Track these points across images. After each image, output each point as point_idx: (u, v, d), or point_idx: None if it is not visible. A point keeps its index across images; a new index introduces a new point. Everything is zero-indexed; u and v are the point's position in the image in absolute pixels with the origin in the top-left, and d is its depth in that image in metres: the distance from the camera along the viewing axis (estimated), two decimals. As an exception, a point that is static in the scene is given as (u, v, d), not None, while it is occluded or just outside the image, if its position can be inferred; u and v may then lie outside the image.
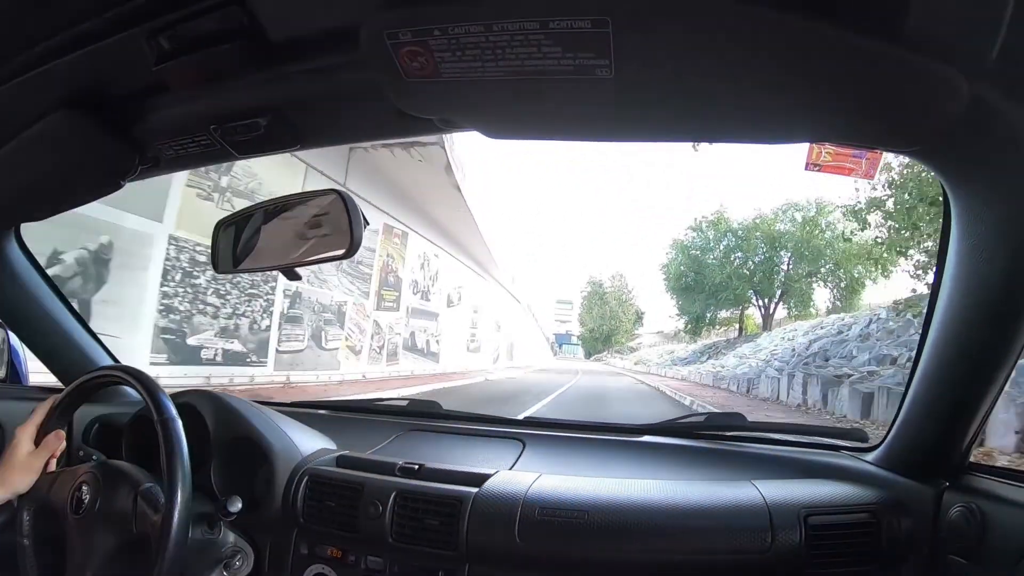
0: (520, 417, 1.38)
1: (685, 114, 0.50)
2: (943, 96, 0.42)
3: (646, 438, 1.09)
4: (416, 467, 0.90)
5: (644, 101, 0.48)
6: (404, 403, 1.31)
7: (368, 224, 0.74)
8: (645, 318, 66.23)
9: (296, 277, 0.80)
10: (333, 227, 0.75)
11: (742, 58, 0.42)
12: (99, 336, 1.15)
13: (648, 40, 0.41)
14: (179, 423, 0.75)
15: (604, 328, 64.43)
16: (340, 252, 0.74)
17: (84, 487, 0.77)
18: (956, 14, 0.37)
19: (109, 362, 1.14)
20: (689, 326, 31.94)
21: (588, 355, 64.67)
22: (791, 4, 0.37)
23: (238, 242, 0.85)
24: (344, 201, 0.74)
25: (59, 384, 1.12)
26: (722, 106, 0.48)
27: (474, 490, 0.84)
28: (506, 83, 0.45)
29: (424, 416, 1.25)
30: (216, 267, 0.87)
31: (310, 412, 1.24)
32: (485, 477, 0.87)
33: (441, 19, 0.41)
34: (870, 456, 0.88)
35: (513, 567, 0.81)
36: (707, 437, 1.07)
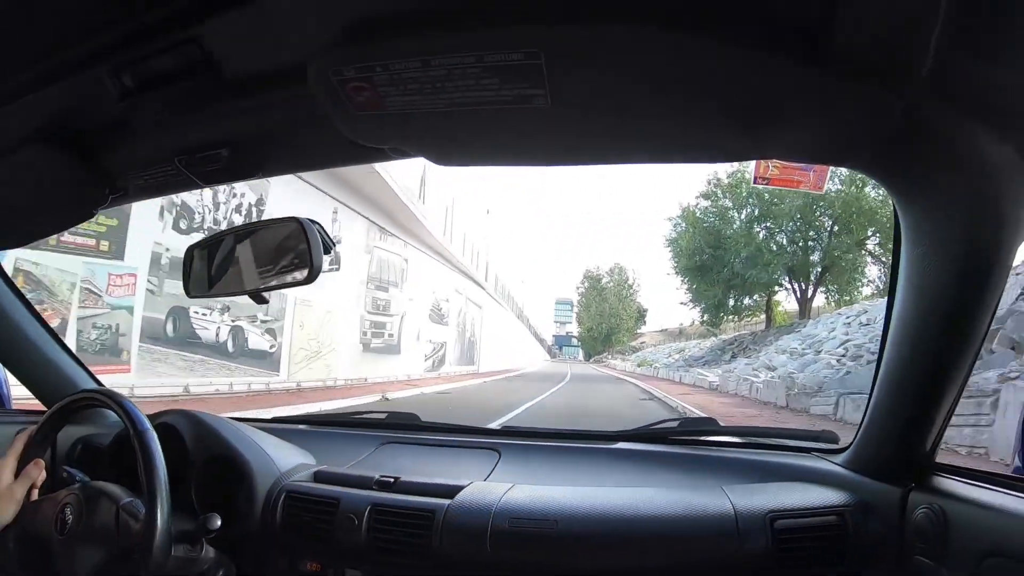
0: (497, 426, 1.35)
1: (624, 138, 0.52)
2: (875, 113, 0.44)
3: (621, 445, 1.08)
4: (392, 480, 0.90)
5: (583, 128, 0.50)
6: (383, 416, 1.29)
7: (333, 247, 0.77)
8: (648, 316, 61.92)
9: (264, 301, 0.82)
10: (295, 253, 0.76)
11: (675, 84, 0.43)
12: (80, 359, 1.14)
13: (580, 70, 0.42)
14: (154, 435, 0.78)
15: (603, 327, 59.61)
16: (301, 278, 0.76)
17: (67, 509, 0.79)
18: (882, 35, 0.38)
19: (91, 384, 1.13)
20: (707, 316, 24.81)
21: (588, 357, 61.15)
22: (715, 30, 0.38)
23: (209, 266, 0.86)
24: (304, 228, 0.75)
25: (42, 407, 1.10)
26: (660, 129, 0.50)
27: (447, 502, 0.84)
28: (449, 114, 0.47)
29: (403, 428, 1.24)
30: (188, 291, 0.88)
31: (289, 427, 1.23)
32: (459, 489, 0.87)
33: (381, 56, 0.42)
34: (839, 458, 0.88)
35: None
36: (681, 442, 1.07)
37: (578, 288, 63.50)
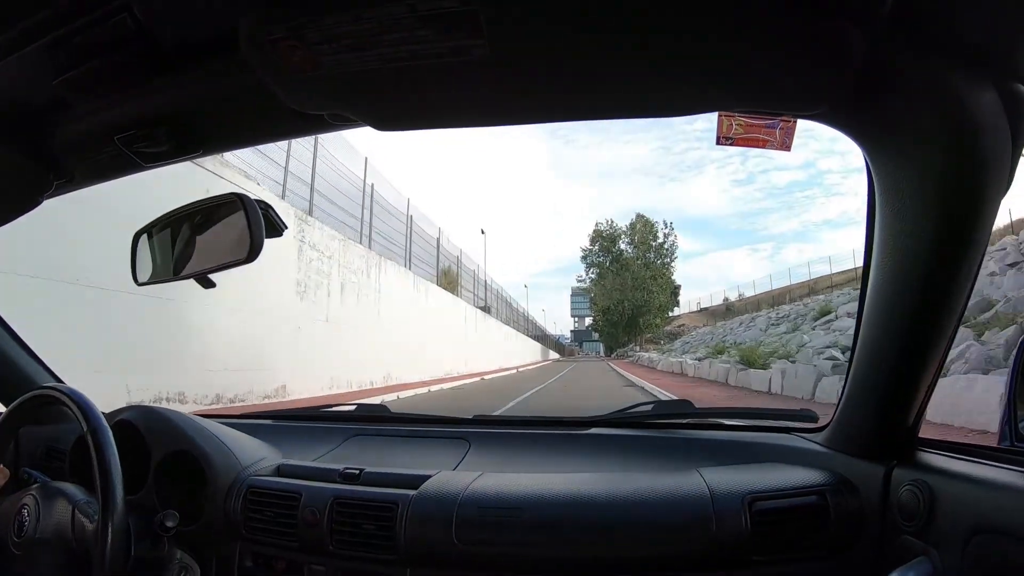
0: (470, 416, 1.30)
1: (573, 90, 0.49)
2: (839, 53, 0.41)
3: (594, 430, 1.08)
4: (357, 472, 0.91)
5: (528, 79, 0.47)
6: (351, 408, 1.31)
7: (285, 229, 0.74)
8: (680, 294, 43.49)
9: (211, 284, 0.78)
10: (236, 232, 0.73)
11: (626, 29, 0.41)
12: (39, 356, 1.15)
13: (522, 14, 0.40)
14: (108, 431, 0.78)
15: (625, 305, 39.65)
16: (242, 257, 0.71)
17: (24, 510, 0.80)
18: None
19: (51, 382, 1.10)
20: None
21: (609, 351, 42.24)
22: None
23: (155, 252, 0.84)
24: (244, 205, 0.72)
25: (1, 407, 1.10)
26: (611, 80, 0.47)
27: (412, 492, 0.85)
28: (386, 72, 0.46)
29: (372, 420, 1.25)
30: (136, 278, 0.86)
31: (255, 423, 1.24)
32: (425, 478, 0.87)
33: (311, 11, 0.42)
34: (819, 436, 0.87)
35: (453, 568, 0.81)
36: (656, 426, 1.07)
37: (585, 256, 44.22)
